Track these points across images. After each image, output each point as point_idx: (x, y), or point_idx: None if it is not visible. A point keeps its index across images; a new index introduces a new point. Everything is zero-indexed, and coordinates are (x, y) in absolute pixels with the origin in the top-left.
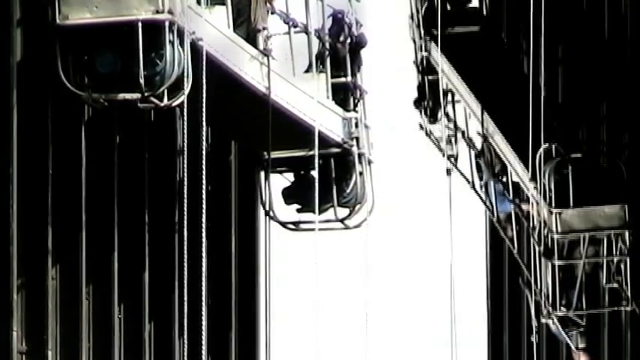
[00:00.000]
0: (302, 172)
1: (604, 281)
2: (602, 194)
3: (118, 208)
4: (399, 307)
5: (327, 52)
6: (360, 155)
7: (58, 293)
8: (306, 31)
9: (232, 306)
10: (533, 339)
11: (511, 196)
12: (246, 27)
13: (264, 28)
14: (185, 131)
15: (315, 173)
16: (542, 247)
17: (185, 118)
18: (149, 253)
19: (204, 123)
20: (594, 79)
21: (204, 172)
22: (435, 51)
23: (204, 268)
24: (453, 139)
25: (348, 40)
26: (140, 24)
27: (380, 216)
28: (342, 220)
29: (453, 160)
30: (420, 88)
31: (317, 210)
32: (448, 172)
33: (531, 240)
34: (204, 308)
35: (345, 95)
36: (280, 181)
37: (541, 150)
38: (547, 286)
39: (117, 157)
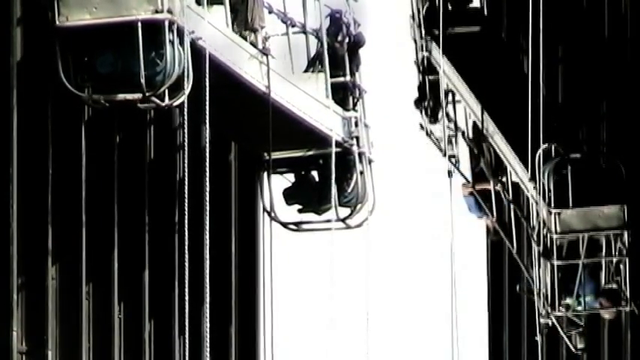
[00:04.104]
0: (303, 172)
1: (603, 282)
2: (601, 194)
3: (118, 208)
4: (400, 306)
5: (325, 52)
6: (360, 154)
7: (58, 293)
8: (304, 31)
9: (232, 306)
10: (537, 338)
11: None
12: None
13: (261, 27)
14: (185, 131)
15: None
16: (541, 248)
17: (185, 118)
18: (149, 253)
19: (207, 123)
20: (594, 79)
21: (207, 172)
22: (435, 51)
23: (207, 269)
24: (453, 140)
25: (347, 40)
26: (140, 24)
27: (381, 215)
28: (343, 220)
29: (453, 160)
30: (421, 88)
31: (336, 208)
32: (449, 173)
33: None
34: (207, 308)
35: (344, 95)
36: (281, 181)
37: (540, 150)
38: (546, 287)
39: (117, 157)
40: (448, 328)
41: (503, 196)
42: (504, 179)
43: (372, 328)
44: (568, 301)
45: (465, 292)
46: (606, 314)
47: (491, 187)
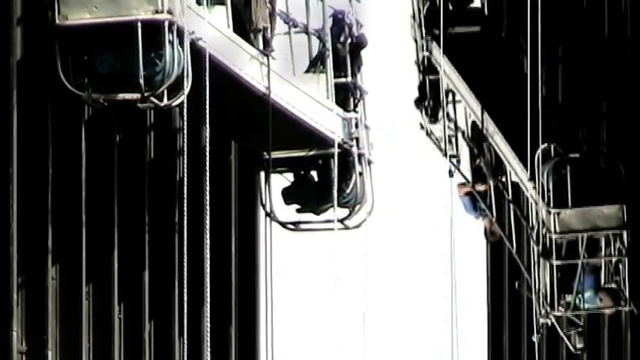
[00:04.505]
0: (302, 172)
1: (603, 281)
2: (600, 194)
3: (118, 208)
4: (399, 306)
5: (327, 53)
6: (359, 156)
7: (58, 293)
8: (306, 31)
9: (232, 306)
10: (534, 338)
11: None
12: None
13: (264, 28)
14: (185, 131)
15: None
16: (540, 247)
17: (185, 118)
18: (149, 253)
19: (207, 123)
20: (594, 79)
21: (207, 172)
22: (436, 51)
23: (207, 269)
24: (453, 140)
25: (349, 41)
26: (140, 24)
27: (380, 216)
28: (341, 221)
29: (454, 160)
30: (421, 87)
31: (335, 209)
32: (450, 174)
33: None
34: (207, 309)
35: (345, 95)
36: (280, 181)
37: (539, 150)
38: (545, 286)
39: (117, 157)
40: (448, 329)
41: (503, 195)
42: (504, 179)
43: (371, 328)
44: (568, 298)
45: (465, 292)
46: (607, 309)
47: (490, 187)
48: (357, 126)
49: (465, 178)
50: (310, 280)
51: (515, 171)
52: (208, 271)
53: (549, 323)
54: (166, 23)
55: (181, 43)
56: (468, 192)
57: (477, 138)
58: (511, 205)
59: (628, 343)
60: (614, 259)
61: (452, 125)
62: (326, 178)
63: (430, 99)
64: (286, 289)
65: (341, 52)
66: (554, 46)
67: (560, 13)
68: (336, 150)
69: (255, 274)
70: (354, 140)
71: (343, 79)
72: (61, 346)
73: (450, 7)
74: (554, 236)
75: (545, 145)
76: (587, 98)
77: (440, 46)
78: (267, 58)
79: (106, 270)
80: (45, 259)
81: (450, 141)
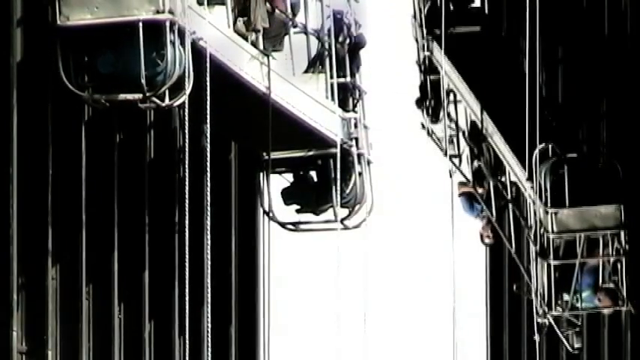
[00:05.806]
0: (301, 172)
1: (601, 281)
2: (598, 194)
3: (118, 208)
4: (399, 307)
5: (326, 53)
6: (359, 155)
7: (58, 293)
8: (305, 31)
9: (232, 306)
10: (536, 338)
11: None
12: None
13: (263, 28)
14: (186, 131)
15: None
16: (537, 247)
17: (186, 118)
18: (149, 253)
19: (208, 123)
20: (593, 79)
21: (208, 172)
22: (437, 51)
23: (208, 269)
24: (454, 139)
25: (347, 41)
26: (141, 24)
27: (380, 216)
28: (341, 221)
29: (454, 159)
30: (422, 87)
31: (335, 209)
32: (451, 174)
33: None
34: (207, 308)
35: (344, 95)
36: (280, 181)
37: (537, 150)
38: (543, 286)
39: (117, 157)
40: (448, 328)
41: (503, 195)
42: (503, 179)
43: (371, 329)
44: (566, 297)
45: (465, 292)
46: (605, 309)
47: (490, 187)
48: (356, 126)
49: (466, 178)
50: (311, 280)
51: (514, 171)
52: (209, 271)
53: (547, 323)
54: (168, 23)
55: (182, 43)
56: (464, 192)
57: (477, 138)
58: (510, 205)
59: (628, 343)
60: (611, 259)
61: (453, 125)
62: (325, 179)
63: (431, 99)
64: (286, 289)
65: (340, 52)
66: (554, 46)
67: (560, 12)
68: (339, 151)
69: (255, 274)
70: (354, 140)
71: (342, 79)
72: (61, 346)
73: (451, 7)
74: (551, 236)
75: (543, 145)
76: (587, 98)
77: (441, 46)
78: (268, 58)
79: (106, 270)
80: (45, 260)
81: (451, 141)
